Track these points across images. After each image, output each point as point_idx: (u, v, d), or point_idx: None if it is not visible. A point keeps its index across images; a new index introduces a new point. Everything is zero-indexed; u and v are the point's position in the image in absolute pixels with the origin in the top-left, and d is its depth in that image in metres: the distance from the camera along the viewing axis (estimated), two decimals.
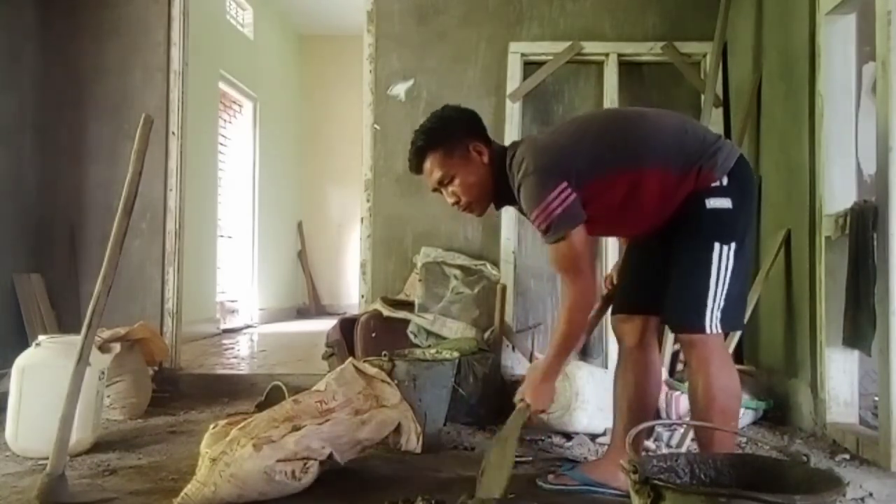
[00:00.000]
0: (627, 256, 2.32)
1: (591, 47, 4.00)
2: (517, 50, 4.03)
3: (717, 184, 1.97)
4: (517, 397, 2.13)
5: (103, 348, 3.01)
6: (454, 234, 4.02)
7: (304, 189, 8.77)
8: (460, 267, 3.81)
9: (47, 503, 2.06)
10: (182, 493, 2.03)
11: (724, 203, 1.96)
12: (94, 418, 2.69)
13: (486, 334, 3.61)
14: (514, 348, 3.76)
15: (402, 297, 3.88)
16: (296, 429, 2.17)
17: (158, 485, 2.27)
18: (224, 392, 3.80)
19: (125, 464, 2.52)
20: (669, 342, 3.29)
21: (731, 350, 3.16)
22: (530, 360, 3.54)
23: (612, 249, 3.61)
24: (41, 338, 2.77)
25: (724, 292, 1.94)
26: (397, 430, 2.44)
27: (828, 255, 2.86)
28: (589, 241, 2.02)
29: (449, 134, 2.15)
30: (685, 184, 1.98)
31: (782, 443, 2.85)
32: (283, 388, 3.04)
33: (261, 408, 2.92)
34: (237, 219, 7.25)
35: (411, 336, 3.55)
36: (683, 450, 2.67)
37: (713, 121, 3.76)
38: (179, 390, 3.84)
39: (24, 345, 3.19)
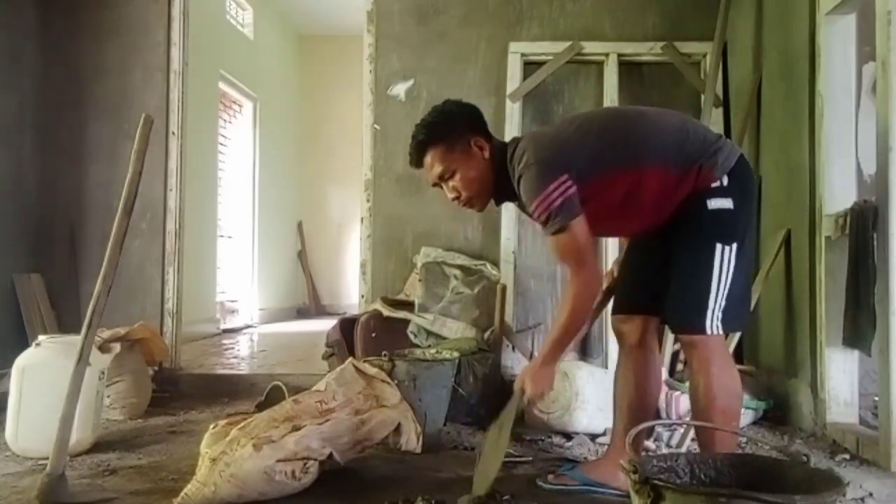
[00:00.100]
0: (628, 256, 2.32)
1: (591, 47, 4.00)
2: (517, 50, 4.03)
3: (718, 184, 1.97)
4: (516, 384, 2.12)
5: (103, 348, 3.01)
6: (454, 234, 4.02)
7: (304, 189, 8.77)
8: (460, 267, 3.81)
9: (47, 503, 2.06)
10: (182, 493, 2.03)
11: (726, 203, 1.96)
12: (94, 418, 2.69)
13: (486, 334, 3.61)
14: (514, 348, 3.76)
15: (402, 297, 3.88)
16: (296, 429, 2.17)
17: (158, 485, 2.27)
18: (224, 392, 3.80)
19: (125, 464, 2.52)
20: (670, 342, 3.29)
21: (731, 350, 3.17)
22: (530, 360, 3.54)
23: (612, 246, 3.60)
24: (41, 338, 2.77)
25: (726, 293, 1.94)
26: (397, 430, 2.43)
27: (828, 255, 2.86)
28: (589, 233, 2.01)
29: (450, 129, 2.15)
30: (685, 183, 1.98)
31: (782, 443, 2.85)
32: (283, 388, 3.04)
33: (261, 408, 2.92)
34: (237, 219, 7.25)
35: (411, 336, 3.55)
36: (683, 450, 2.67)
37: (713, 121, 3.76)
38: (179, 390, 3.84)
39: (24, 345, 3.20)
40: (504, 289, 3.71)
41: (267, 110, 7.68)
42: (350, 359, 2.78)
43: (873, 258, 2.52)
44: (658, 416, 2.77)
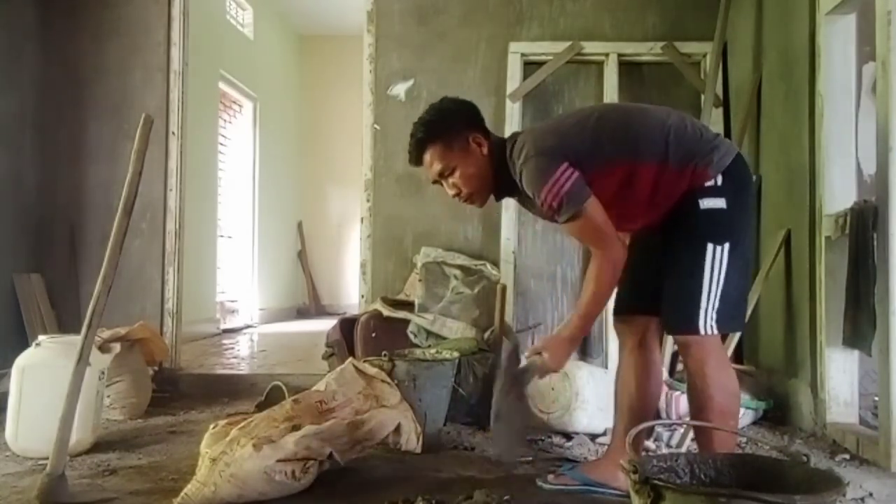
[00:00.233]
0: (629, 256, 2.32)
1: (591, 47, 4.00)
2: (517, 50, 4.03)
3: (712, 183, 1.97)
4: (530, 352, 2.09)
5: (103, 348, 3.01)
6: (454, 234, 4.02)
7: (304, 189, 8.77)
8: (460, 267, 3.81)
9: (47, 503, 2.06)
10: (182, 493, 2.03)
11: (718, 203, 1.96)
12: (94, 418, 2.69)
13: (486, 334, 3.60)
14: None
15: (402, 297, 3.88)
16: (296, 429, 2.17)
17: (158, 485, 2.27)
18: (224, 392, 3.80)
19: (125, 464, 2.52)
20: (670, 342, 3.28)
21: (731, 350, 3.17)
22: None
23: None
24: (41, 338, 2.77)
25: (719, 293, 1.93)
26: (397, 430, 2.43)
27: (828, 255, 2.86)
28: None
29: (448, 126, 2.16)
30: (681, 180, 1.98)
31: (782, 443, 2.85)
32: (283, 388, 3.04)
33: (261, 408, 2.92)
34: (237, 219, 7.25)
35: (411, 336, 3.54)
36: (683, 450, 2.67)
37: (713, 121, 3.76)
38: (179, 390, 3.84)
39: (24, 345, 3.19)
40: (504, 289, 3.70)
41: (267, 110, 7.69)
42: (350, 359, 2.78)
43: (873, 258, 2.52)
44: (658, 417, 2.77)
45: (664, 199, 2.01)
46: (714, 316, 1.93)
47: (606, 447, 2.48)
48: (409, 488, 2.17)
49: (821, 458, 2.57)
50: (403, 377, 2.69)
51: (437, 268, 3.81)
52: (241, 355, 5.11)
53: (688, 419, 2.50)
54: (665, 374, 3.09)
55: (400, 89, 4.08)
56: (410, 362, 2.80)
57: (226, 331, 6.66)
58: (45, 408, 2.35)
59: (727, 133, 3.83)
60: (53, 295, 4.11)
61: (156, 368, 3.76)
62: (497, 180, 2.17)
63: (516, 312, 3.92)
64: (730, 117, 3.94)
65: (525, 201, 2.19)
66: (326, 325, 3.89)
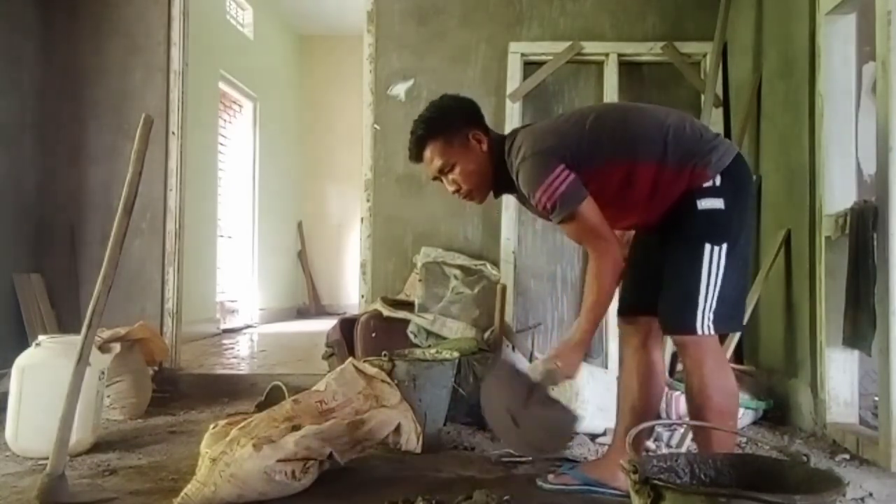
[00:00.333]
0: (630, 256, 2.32)
1: (591, 47, 4.00)
2: (517, 50, 4.03)
3: (710, 183, 1.97)
4: (545, 364, 2.08)
5: (103, 348, 3.01)
6: (454, 234, 4.02)
7: (304, 189, 8.77)
8: (460, 267, 3.81)
9: (47, 503, 2.06)
10: (182, 493, 2.03)
11: (716, 203, 1.96)
12: (94, 418, 2.69)
13: (486, 334, 3.60)
14: (514, 348, 3.75)
15: (402, 297, 3.88)
16: (296, 429, 2.17)
17: (158, 485, 2.27)
18: (224, 392, 3.80)
19: (125, 464, 2.52)
20: (670, 342, 3.28)
21: (731, 350, 3.17)
22: (530, 361, 3.54)
23: None
24: (41, 338, 2.77)
25: (716, 293, 1.93)
26: (397, 430, 2.43)
27: (828, 255, 2.86)
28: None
29: (448, 123, 2.17)
30: (680, 180, 1.98)
31: (782, 443, 2.85)
32: (283, 388, 3.04)
33: (261, 408, 2.91)
34: (237, 219, 7.25)
35: (411, 336, 3.55)
36: (683, 450, 2.67)
37: (713, 121, 3.76)
38: (179, 390, 3.84)
39: (24, 345, 3.20)
40: (504, 289, 3.71)
41: (267, 110, 7.69)
42: (350, 359, 2.78)
43: (873, 258, 2.52)
44: (658, 417, 2.77)
45: (663, 199, 2.01)
46: (711, 316, 1.93)
47: (607, 447, 2.48)
48: (409, 488, 2.17)
49: (821, 458, 2.57)
50: (403, 377, 2.70)
51: (437, 268, 3.81)
52: (241, 355, 5.11)
53: (688, 419, 2.50)
54: (665, 375, 3.09)
55: (400, 89, 4.08)
56: (410, 362, 2.80)
57: (226, 331, 6.66)
58: (45, 408, 2.35)
59: (727, 133, 3.83)
60: (53, 295, 4.11)
61: (156, 368, 3.76)
62: (496, 177, 2.18)
63: (516, 312, 3.92)
64: (730, 117, 3.94)
65: (523, 198, 2.19)
66: (326, 325, 3.89)
